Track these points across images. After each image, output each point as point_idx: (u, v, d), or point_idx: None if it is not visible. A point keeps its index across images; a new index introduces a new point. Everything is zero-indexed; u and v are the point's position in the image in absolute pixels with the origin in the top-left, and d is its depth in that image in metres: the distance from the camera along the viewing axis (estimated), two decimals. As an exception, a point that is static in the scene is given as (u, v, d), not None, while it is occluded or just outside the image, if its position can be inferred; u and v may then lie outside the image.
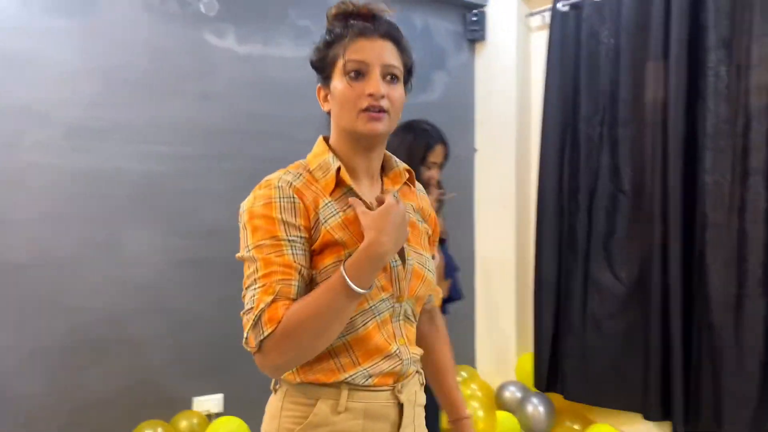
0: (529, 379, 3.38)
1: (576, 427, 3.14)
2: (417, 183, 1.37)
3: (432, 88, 3.69)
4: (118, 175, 2.76)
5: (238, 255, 1.18)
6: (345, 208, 1.19)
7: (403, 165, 1.32)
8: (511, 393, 3.34)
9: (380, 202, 1.17)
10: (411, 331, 1.27)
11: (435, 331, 1.44)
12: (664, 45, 2.79)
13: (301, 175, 1.20)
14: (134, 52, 2.80)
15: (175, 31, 2.88)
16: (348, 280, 1.08)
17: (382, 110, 1.16)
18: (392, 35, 1.20)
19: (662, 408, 2.81)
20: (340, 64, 1.17)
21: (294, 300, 1.11)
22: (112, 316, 2.75)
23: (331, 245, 1.15)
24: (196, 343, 2.92)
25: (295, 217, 1.14)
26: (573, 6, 3.23)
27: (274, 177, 1.19)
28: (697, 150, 2.70)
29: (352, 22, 1.19)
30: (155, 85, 2.84)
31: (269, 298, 1.09)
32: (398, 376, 1.22)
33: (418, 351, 1.28)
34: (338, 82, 1.18)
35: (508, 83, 3.57)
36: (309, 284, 1.15)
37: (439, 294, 1.44)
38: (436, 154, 2.12)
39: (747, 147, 2.52)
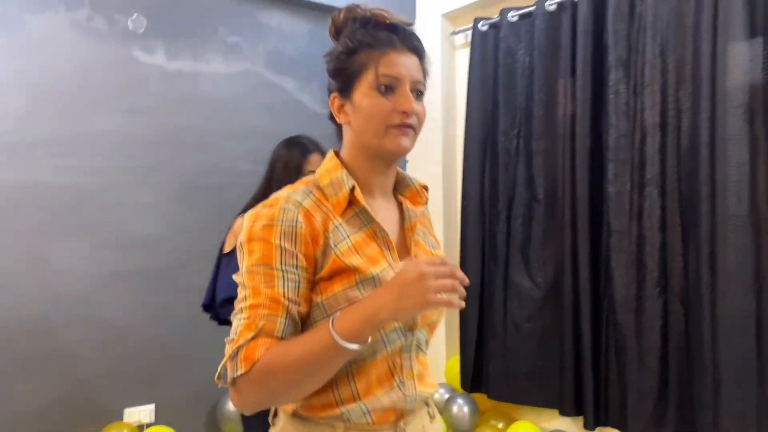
0: (456, 381, 3.53)
1: (500, 425, 3.29)
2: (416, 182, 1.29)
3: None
4: (46, 189, 2.79)
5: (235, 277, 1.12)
6: (356, 230, 1.11)
7: (417, 181, 1.26)
8: (440, 395, 3.47)
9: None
10: (423, 362, 1.18)
11: None
12: (572, 64, 2.99)
13: (310, 192, 1.12)
14: (61, 69, 2.84)
15: (103, 47, 2.94)
16: (337, 338, 0.97)
17: (410, 127, 1.12)
18: (419, 50, 1.15)
19: (575, 404, 2.99)
20: (369, 76, 1.11)
21: (278, 338, 1.02)
22: (42, 328, 2.77)
23: (341, 272, 1.07)
24: (127, 354, 2.96)
25: (295, 244, 1.05)
26: (492, 26, 3.41)
27: (282, 195, 1.10)
28: (602, 162, 2.89)
29: (374, 31, 1.12)
30: (83, 101, 2.89)
31: (250, 335, 1.01)
32: (401, 413, 1.13)
33: (430, 386, 1.19)
34: (365, 96, 1.11)
35: (434, 98, 3.72)
36: (309, 315, 1.08)
37: None
38: (312, 163, 2.20)
39: (643, 160, 2.72)
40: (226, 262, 2.22)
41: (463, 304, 0.97)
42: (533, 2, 3.18)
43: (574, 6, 2.97)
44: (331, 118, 1.20)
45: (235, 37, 3.33)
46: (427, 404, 1.23)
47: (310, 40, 3.56)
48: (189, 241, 3.08)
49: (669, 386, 2.70)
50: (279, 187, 1.19)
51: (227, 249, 2.25)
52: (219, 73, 3.27)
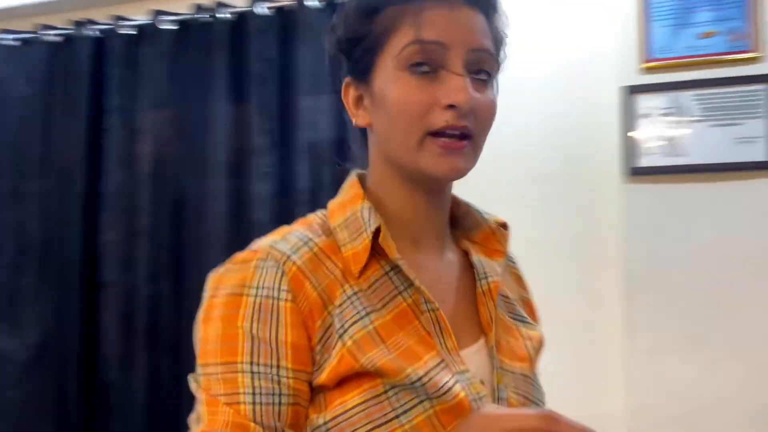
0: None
1: None
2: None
3: None
4: None
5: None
6: (383, 304, 0.69)
7: (492, 218, 0.84)
8: None
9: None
10: None
11: None
12: (72, 102, 2.79)
13: (309, 240, 0.72)
14: None
15: None
16: None
17: (465, 135, 0.69)
18: (483, 3, 0.72)
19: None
20: (397, 45, 0.69)
21: None
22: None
23: (355, 376, 0.65)
24: None
25: (277, 330, 0.66)
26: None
27: (263, 245, 0.72)
28: (98, 209, 2.73)
29: None
30: None
31: None
32: None
33: None
34: (390, 79, 0.69)
35: None
36: None
37: None
38: None
39: (137, 208, 2.66)
40: None
41: None
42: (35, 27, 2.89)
43: (85, 41, 2.77)
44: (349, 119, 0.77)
45: None
46: None
47: None
48: None
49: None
50: None
51: None
52: None
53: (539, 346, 0.84)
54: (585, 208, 2.25)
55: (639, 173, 2.08)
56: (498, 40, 0.75)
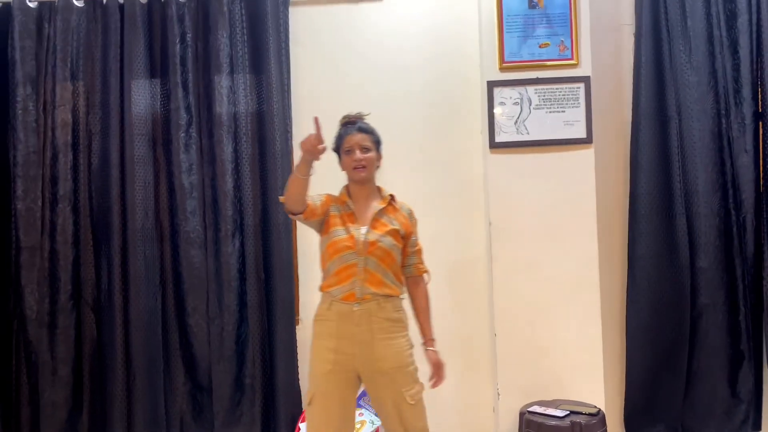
0: None
1: None
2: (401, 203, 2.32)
3: None
4: None
5: None
6: (343, 209, 2.24)
7: (388, 193, 2.29)
8: None
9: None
10: (373, 275, 2.15)
11: (416, 289, 2.32)
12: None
13: (333, 195, 2.29)
14: None
15: None
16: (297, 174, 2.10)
17: (363, 167, 2.21)
18: (366, 129, 2.25)
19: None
20: (344, 147, 2.23)
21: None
22: None
23: (331, 221, 2.22)
24: None
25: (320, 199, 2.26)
26: None
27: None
28: (9, 178, 2.81)
29: (347, 125, 2.27)
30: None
31: None
32: (354, 297, 2.14)
33: (381, 288, 2.16)
34: (343, 156, 2.25)
35: None
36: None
37: (426, 271, 2.34)
38: None
39: (55, 176, 2.80)
40: None
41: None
42: None
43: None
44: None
45: None
46: (383, 297, 2.16)
47: None
48: None
49: (83, 394, 2.84)
50: None
51: None
52: None
53: (401, 227, 2.25)
54: (457, 172, 2.96)
55: (497, 146, 2.80)
56: (374, 140, 2.26)
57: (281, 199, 2.17)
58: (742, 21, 2.85)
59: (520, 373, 2.77)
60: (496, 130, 2.80)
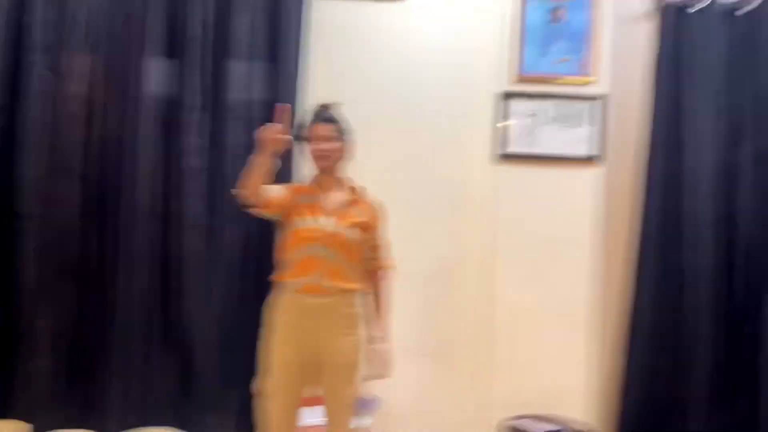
0: None
1: None
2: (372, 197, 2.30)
3: None
4: None
5: None
6: (309, 198, 2.22)
7: (356, 186, 2.27)
8: None
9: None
10: (335, 267, 2.13)
11: (377, 284, 2.28)
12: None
13: (301, 182, 2.40)
14: None
15: None
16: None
17: (324, 156, 2.21)
18: (331, 119, 2.23)
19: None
20: (309, 136, 2.23)
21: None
22: None
23: (296, 209, 2.19)
24: None
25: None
26: None
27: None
28: (13, 149, 2.81)
29: (316, 113, 2.26)
30: None
31: None
32: (315, 289, 2.11)
33: (343, 282, 2.13)
34: (309, 144, 2.24)
35: None
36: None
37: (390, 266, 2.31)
38: None
39: (64, 147, 2.81)
40: None
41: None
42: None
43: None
44: None
45: None
46: (345, 292, 2.14)
47: None
48: None
49: (72, 369, 2.83)
50: None
51: None
52: None
53: (367, 220, 2.23)
54: (460, 181, 2.95)
55: (507, 157, 2.79)
56: (341, 130, 2.24)
57: (236, 191, 2.15)
58: (763, 56, 2.85)
59: (510, 384, 2.77)
60: (508, 141, 2.80)
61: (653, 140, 2.86)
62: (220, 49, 2.87)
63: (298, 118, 2.36)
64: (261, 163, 2.08)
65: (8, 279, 2.82)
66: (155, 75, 2.84)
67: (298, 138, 2.27)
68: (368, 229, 2.22)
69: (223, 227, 2.83)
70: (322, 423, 2.23)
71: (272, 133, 2.06)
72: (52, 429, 2.78)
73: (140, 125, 2.81)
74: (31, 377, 2.78)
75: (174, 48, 2.86)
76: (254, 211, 2.19)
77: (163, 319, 2.85)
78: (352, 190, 2.26)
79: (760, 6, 2.84)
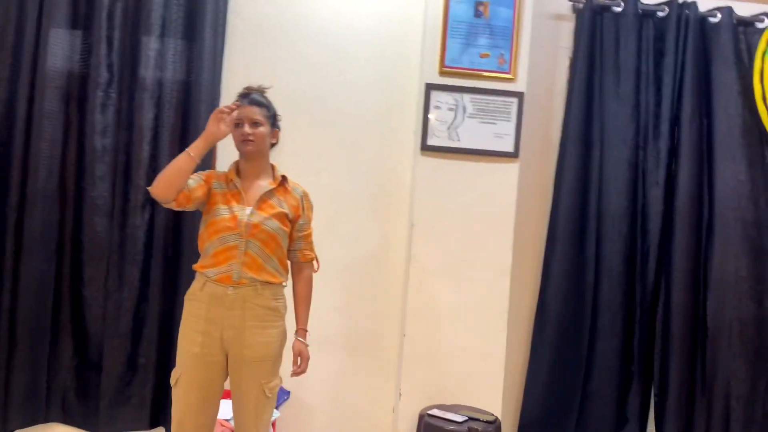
0: None
1: None
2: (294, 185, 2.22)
3: None
4: None
5: None
6: (227, 187, 2.14)
7: (280, 174, 2.19)
8: None
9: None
10: (252, 258, 2.07)
11: (298, 276, 2.24)
12: None
13: (221, 172, 2.21)
14: None
15: None
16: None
17: (249, 140, 2.10)
18: (257, 102, 2.14)
19: None
20: (237, 118, 2.11)
21: None
22: None
23: (213, 200, 2.12)
24: None
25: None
26: None
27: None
28: None
29: (242, 97, 2.15)
30: None
31: None
32: (228, 280, 2.05)
33: (260, 274, 2.08)
34: (234, 129, 2.12)
35: None
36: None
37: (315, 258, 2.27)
38: None
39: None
40: None
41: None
42: None
43: None
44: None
45: None
46: (261, 284, 2.07)
47: None
48: None
49: None
50: None
51: None
52: None
53: (290, 210, 2.15)
54: (386, 171, 2.93)
55: (428, 149, 2.80)
56: (268, 114, 2.15)
57: (151, 187, 2.04)
58: (668, 60, 2.99)
59: (424, 375, 2.78)
60: (429, 133, 2.80)
61: (566, 138, 2.96)
62: (132, 22, 2.71)
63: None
64: (197, 152, 2.04)
65: None
66: (58, 47, 2.64)
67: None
68: (291, 220, 2.14)
69: (133, 211, 2.68)
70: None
71: (227, 116, 2.08)
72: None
73: (38, 99, 2.60)
74: None
75: (79, 18, 2.67)
76: (170, 207, 2.07)
77: (68, 308, 2.68)
78: (276, 178, 2.16)
79: (669, 13, 2.98)
